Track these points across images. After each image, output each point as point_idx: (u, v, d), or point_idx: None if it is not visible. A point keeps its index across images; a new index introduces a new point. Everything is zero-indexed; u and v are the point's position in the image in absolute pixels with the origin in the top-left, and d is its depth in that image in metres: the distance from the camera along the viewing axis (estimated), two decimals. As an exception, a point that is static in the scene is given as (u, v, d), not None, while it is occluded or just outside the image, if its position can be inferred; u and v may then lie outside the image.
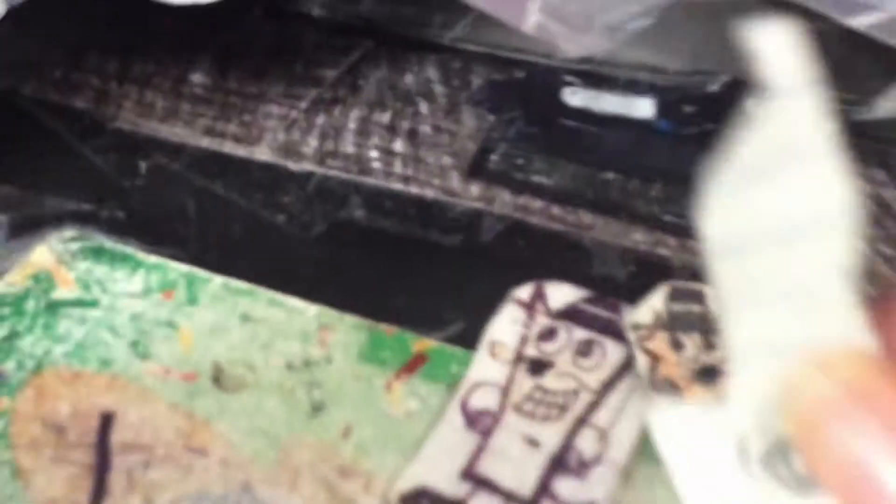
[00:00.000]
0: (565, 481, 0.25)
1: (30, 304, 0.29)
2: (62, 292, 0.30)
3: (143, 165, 0.37)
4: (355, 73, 0.44)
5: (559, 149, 0.40)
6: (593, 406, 0.27)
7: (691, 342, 0.29)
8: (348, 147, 0.39)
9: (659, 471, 0.26)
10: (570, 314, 0.30)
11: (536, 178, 0.38)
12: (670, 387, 0.28)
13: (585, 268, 0.34)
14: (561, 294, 0.31)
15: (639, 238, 0.35)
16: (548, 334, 0.29)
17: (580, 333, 0.29)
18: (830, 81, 0.45)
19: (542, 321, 0.30)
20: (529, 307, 0.30)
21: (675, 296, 0.31)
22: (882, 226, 0.37)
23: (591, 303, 0.31)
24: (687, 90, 0.43)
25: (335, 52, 0.45)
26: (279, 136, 0.39)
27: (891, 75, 0.39)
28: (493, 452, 0.25)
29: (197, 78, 0.42)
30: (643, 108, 0.43)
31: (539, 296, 0.31)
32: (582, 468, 0.25)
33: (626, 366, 0.28)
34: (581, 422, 0.27)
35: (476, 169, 0.38)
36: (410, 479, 0.25)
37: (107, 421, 0.26)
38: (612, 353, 0.29)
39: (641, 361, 0.28)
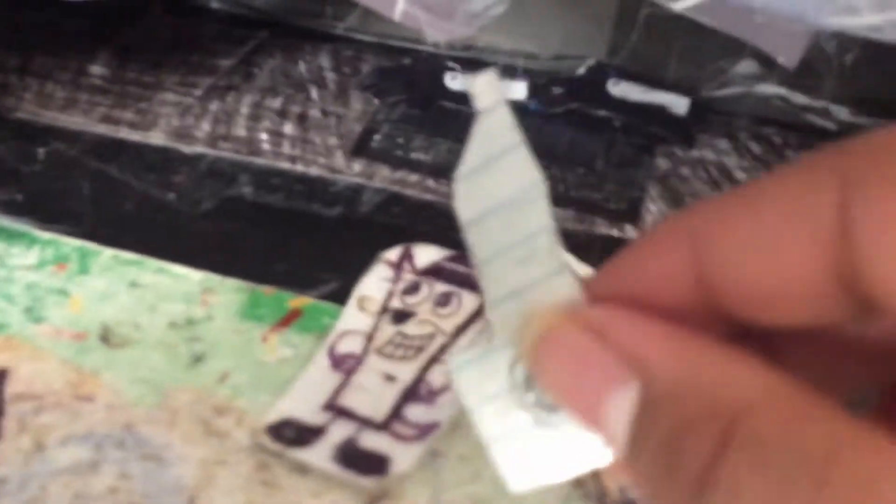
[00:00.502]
0: (415, 407, 0.28)
1: (-72, 278, 0.31)
2: (-40, 267, 0.32)
3: (41, 152, 0.39)
4: (249, 62, 0.47)
5: (438, 128, 0.43)
6: (445, 347, 0.31)
7: None
8: (240, 130, 0.42)
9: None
10: (433, 271, 0.34)
11: (415, 155, 0.41)
12: None
13: (454, 233, 0.37)
14: (426, 254, 0.34)
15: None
16: (412, 289, 0.33)
17: (441, 287, 0.33)
18: (681, 61, 0.49)
19: (407, 278, 0.33)
20: (397, 266, 0.34)
21: None
22: (723, 190, 0.41)
23: (452, 260, 0.34)
24: (556, 74, 0.47)
25: (231, 42, 0.48)
26: (173, 122, 0.42)
27: (734, 54, 0.44)
28: (354, 387, 0.29)
29: (96, 70, 0.44)
30: (517, 90, 0.47)
31: (406, 256, 0.34)
32: (431, 396, 0.29)
33: (478, 313, 0.32)
34: (433, 360, 0.30)
35: (359, 148, 0.42)
36: (277, 412, 0.28)
37: (1, 376, 0.28)
38: (467, 302, 0.33)
39: None
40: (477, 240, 0.15)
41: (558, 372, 0.13)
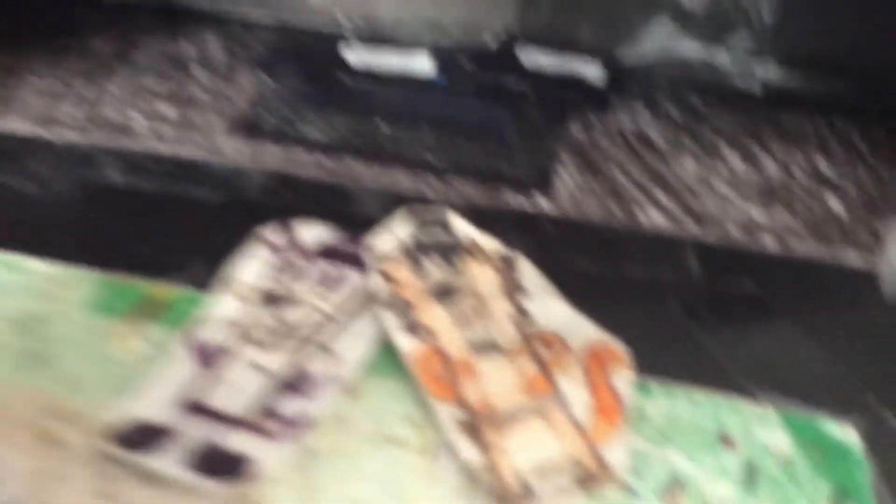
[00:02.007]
0: (290, 400, 0.25)
1: None
2: None
3: None
4: (129, 44, 0.43)
5: (335, 105, 0.40)
6: (332, 333, 0.27)
7: (432, 263, 0.30)
8: (111, 114, 0.38)
9: (386, 384, 0.26)
10: (318, 251, 0.30)
11: (309, 134, 0.38)
12: (403, 304, 0.28)
13: (348, 212, 0.34)
14: (308, 232, 0.31)
15: (403, 180, 0.35)
16: (292, 270, 0.29)
17: (325, 268, 0.29)
18: (593, 23, 0.45)
19: (288, 258, 0.30)
20: (275, 246, 0.30)
21: (420, 223, 0.31)
22: (641, 157, 0.39)
23: (338, 239, 0.31)
24: (465, 47, 0.44)
25: (111, 26, 0.43)
26: (35, 107, 0.37)
27: (647, 11, 0.41)
28: (218, 382, 0.25)
29: (-49, 56, 0.40)
30: (423, 65, 0.44)
31: (285, 234, 0.30)
32: (310, 387, 0.25)
33: (370, 297, 0.29)
34: (319, 347, 0.26)
35: (246, 128, 0.38)
36: (122, 413, 0.24)
37: None
38: (352, 282, 0.29)
39: (375, 281, 0.28)
40: None
41: None
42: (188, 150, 0.36)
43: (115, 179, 0.34)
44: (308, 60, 0.43)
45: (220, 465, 0.23)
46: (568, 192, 0.36)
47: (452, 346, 0.27)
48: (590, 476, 0.23)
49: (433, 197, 0.35)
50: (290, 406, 0.24)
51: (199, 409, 0.24)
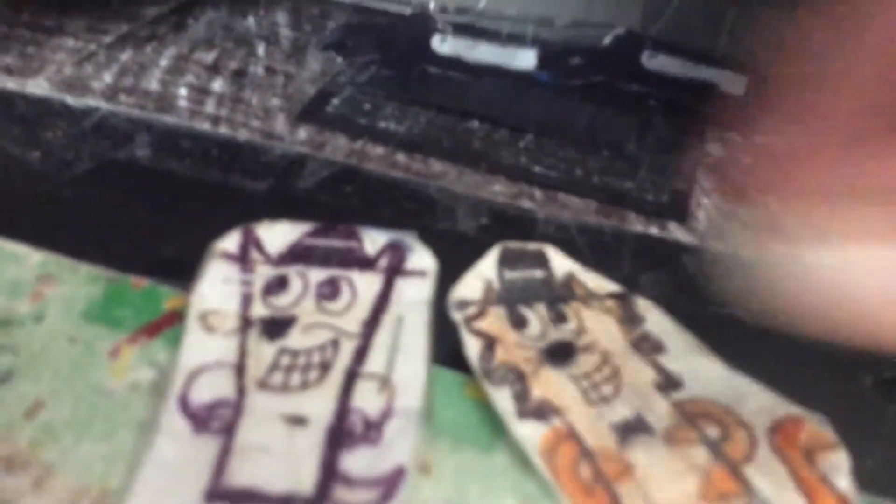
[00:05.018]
0: (355, 454, 0.17)
1: None
2: None
3: None
4: (184, 12, 0.37)
5: (417, 96, 0.33)
6: (362, 352, 0.20)
7: (535, 316, 0.22)
8: (151, 84, 0.31)
9: (463, 455, 0.19)
10: (298, 255, 0.23)
11: (383, 125, 0.31)
12: (512, 376, 0.20)
13: (426, 219, 0.26)
14: (278, 235, 0.23)
15: (498, 189, 0.28)
16: (276, 285, 0.22)
17: (317, 274, 0.22)
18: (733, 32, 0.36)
19: (263, 272, 0.22)
20: (242, 259, 0.22)
21: (509, 260, 0.24)
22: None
23: (319, 236, 0.23)
24: (574, 42, 0.37)
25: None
26: (65, 70, 0.31)
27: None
28: (245, 451, 0.17)
29: (-19, 8, 0.34)
30: (524, 59, 0.37)
31: (251, 242, 0.23)
32: (371, 430, 0.18)
33: (384, 297, 0.21)
34: (352, 375, 0.19)
35: (309, 112, 0.31)
36: None
37: None
38: (361, 286, 0.22)
39: (471, 346, 0.21)
40: None
41: None
42: (238, 132, 0.29)
43: (140, 154, 0.28)
44: (388, 45, 0.36)
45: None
46: (708, 217, 0.28)
47: (589, 430, 0.19)
48: None
49: (536, 212, 0.27)
50: (359, 460, 0.17)
51: (234, 495, 0.16)
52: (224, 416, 0.18)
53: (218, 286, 0.21)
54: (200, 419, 0.18)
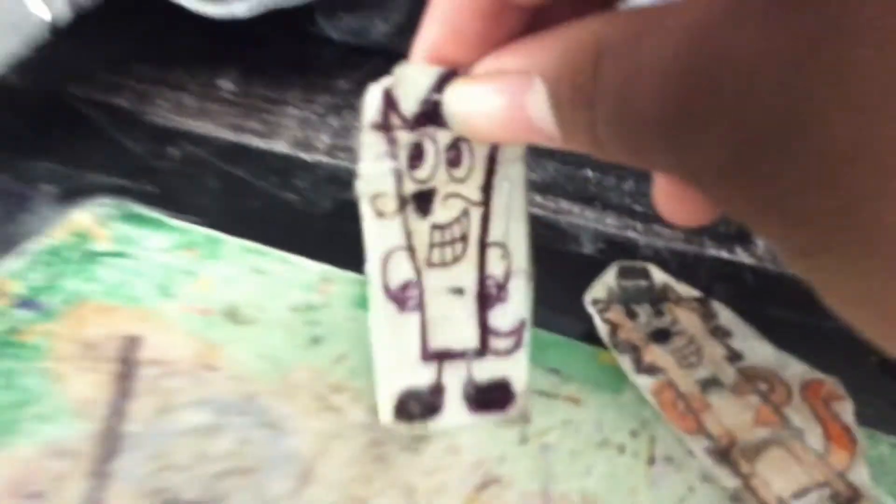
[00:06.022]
0: (496, 312, 0.23)
1: (71, 254, 0.34)
2: (99, 246, 0.34)
3: (173, 151, 0.42)
4: (366, 85, 0.49)
5: (547, 153, 0.44)
6: (486, 220, 0.22)
7: (643, 311, 0.33)
8: (354, 143, 0.44)
9: (604, 396, 0.30)
10: (428, 115, 0.20)
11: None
12: (630, 348, 0.31)
13: (560, 244, 0.38)
14: (410, 89, 0.21)
15: (610, 222, 0.39)
16: (416, 156, 0.21)
17: (443, 138, 0.21)
18: None
19: (403, 140, 0.21)
20: (385, 127, 0.21)
21: (624, 273, 0.35)
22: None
23: (440, 90, 0.20)
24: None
25: (348, 67, 0.50)
26: (296, 133, 0.44)
27: None
28: (433, 322, 0.23)
29: (225, 84, 0.47)
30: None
31: (389, 106, 0.21)
32: (502, 291, 0.23)
33: (492, 159, 0.21)
34: (483, 246, 0.22)
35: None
36: (387, 392, 0.26)
37: (133, 342, 0.30)
38: (476, 147, 0.21)
39: (602, 329, 0.32)
40: None
41: (491, 106, 0.18)
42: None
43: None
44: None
45: (490, 396, 0.23)
46: (765, 244, 0.38)
47: (682, 382, 0.30)
48: (842, 497, 0.26)
49: (638, 240, 0.38)
50: (501, 317, 0.23)
51: (438, 355, 0.23)
52: (415, 296, 0.22)
53: (373, 164, 0.21)
54: (400, 300, 0.22)
